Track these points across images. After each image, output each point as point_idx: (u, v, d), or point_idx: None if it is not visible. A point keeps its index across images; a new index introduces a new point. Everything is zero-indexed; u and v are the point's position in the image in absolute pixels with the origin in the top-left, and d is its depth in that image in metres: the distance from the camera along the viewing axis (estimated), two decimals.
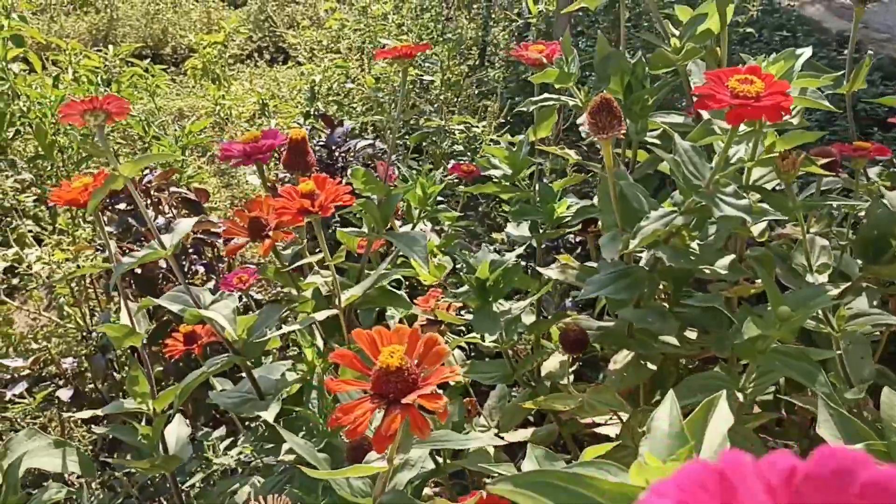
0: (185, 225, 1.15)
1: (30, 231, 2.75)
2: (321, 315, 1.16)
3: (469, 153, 2.74)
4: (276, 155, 2.17)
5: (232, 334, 1.10)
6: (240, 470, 1.95)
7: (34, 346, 2.40)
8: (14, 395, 1.92)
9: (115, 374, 2.09)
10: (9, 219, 3.46)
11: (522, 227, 1.68)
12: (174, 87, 4.96)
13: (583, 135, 1.36)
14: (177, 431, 1.35)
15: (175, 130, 3.86)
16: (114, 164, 1.04)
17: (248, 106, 4.42)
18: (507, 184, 1.62)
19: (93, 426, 2.44)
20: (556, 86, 1.31)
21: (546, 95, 1.35)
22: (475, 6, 4.56)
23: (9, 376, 2.60)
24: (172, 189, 2.28)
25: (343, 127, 2.27)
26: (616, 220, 1.19)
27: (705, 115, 1.14)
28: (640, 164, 1.38)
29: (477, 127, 2.66)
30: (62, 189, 1.17)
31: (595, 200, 1.39)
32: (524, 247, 1.57)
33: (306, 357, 1.18)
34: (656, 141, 1.31)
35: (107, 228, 2.26)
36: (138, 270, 2.10)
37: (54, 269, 2.39)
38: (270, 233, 1.29)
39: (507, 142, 1.67)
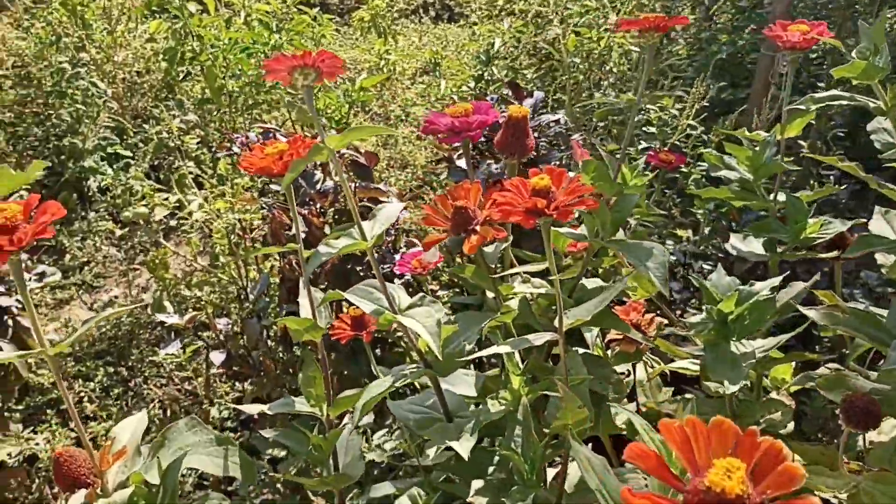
0: (390, 212, 0.97)
1: (190, 173, 2.69)
2: (539, 339, 0.96)
3: (659, 138, 2.46)
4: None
5: (434, 350, 0.91)
6: (385, 462, 1.80)
7: (186, 293, 2.35)
8: (168, 353, 1.84)
9: (269, 341, 1.97)
10: (171, 158, 3.47)
11: (751, 241, 1.41)
12: (338, 37, 4.87)
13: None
14: (348, 443, 1.19)
15: (339, 83, 3.74)
16: (322, 135, 0.86)
17: (412, 63, 4.26)
18: (744, 190, 1.36)
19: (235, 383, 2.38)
20: (854, 82, 1.03)
21: (834, 93, 1.07)
22: None
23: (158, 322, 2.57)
24: (342, 151, 2.13)
25: (533, 98, 2.04)
26: None
27: None
28: None
29: (674, 110, 2.37)
30: (254, 154, 1.01)
31: (876, 226, 1.11)
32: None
33: (512, 385, 0.99)
34: None
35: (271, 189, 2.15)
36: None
37: (213, 219, 2.31)
38: (478, 227, 1.09)
39: (748, 139, 1.41)
